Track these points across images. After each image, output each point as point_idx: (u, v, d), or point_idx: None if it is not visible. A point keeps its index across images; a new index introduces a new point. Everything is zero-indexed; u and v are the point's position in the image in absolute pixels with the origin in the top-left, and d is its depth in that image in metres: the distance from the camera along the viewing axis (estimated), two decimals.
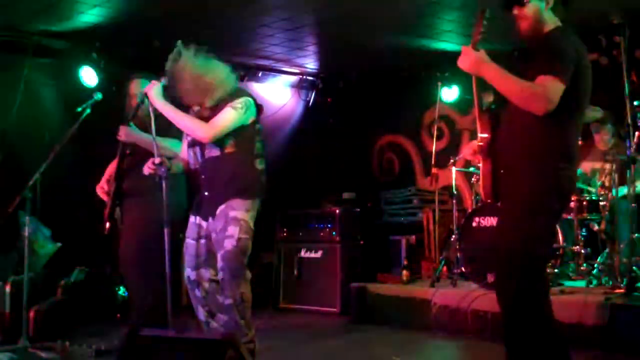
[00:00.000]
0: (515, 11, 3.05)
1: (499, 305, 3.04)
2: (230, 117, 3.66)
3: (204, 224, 3.78)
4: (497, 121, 3.14)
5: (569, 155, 2.97)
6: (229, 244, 3.62)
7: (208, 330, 3.77)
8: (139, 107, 4.04)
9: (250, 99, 3.77)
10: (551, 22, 3.03)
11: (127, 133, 4.29)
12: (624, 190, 5.12)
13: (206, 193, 3.79)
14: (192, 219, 3.85)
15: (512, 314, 2.96)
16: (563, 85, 2.83)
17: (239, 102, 3.70)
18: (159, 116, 3.75)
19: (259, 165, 3.81)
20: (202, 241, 3.77)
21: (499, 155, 3.09)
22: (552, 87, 2.83)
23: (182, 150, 3.98)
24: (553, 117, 2.85)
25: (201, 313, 3.79)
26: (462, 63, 3.03)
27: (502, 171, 3.05)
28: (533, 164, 2.95)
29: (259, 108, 3.84)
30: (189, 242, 3.82)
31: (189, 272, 3.79)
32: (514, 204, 2.99)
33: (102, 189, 4.53)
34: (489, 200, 3.17)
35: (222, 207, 3.68)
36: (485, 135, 3.14)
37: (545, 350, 2.88)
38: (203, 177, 3.81)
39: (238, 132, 3.71)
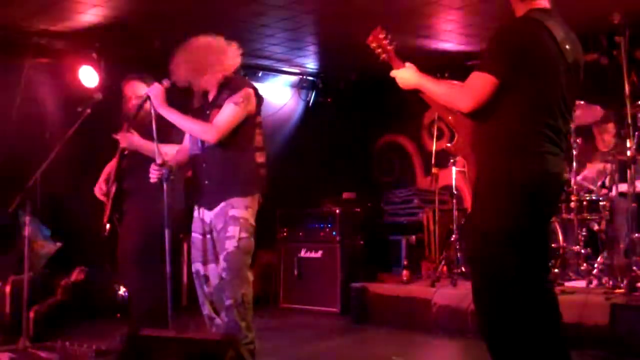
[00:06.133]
0: None
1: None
2: (233, 113, 3.63)
3: (206, 217, 3.76)
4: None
5: (531, 151, 2.75)
6: (230, 245, 3.61)
7: (211, 325, 3.76)
8: (140, 110, 4.02)
9: (250, 89, 3.75)
10: (525, 6, 2.81)
11: (128, 141, 4.28)
12: (623, 187, 5.11)
13: (206, 182, 3.77)
14: (196, 213, 3.84)
15: (489, 317, 2.81)
16: (493, 78, 2.70)
17: (240, 96, 3.67)
18: (159, 119, 3.75)
19: (260, 158, 3.80)
20: (208, 236, 3.76)
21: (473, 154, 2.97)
22: (475, 84, 2.74)
23: (183, 140, 3.96)
24: (509, 114, 2.73)
25: (207, 308, 3.77)
26: (403, 85, 3.06)
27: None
28: (495, 161, 2.80)
29: (260, 99, 3.82)
30: (196, 236, 3.80)
31: (198, 267, 3.77)
32: (476, 203, 2.89)
33: (101, 190, 4.51)
34: None
35: (222, 204, 3.67)
36: (456, 137, 3.09)
37: (534, 355, 2.74)
38: (204, 165, 3.78)
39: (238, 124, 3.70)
